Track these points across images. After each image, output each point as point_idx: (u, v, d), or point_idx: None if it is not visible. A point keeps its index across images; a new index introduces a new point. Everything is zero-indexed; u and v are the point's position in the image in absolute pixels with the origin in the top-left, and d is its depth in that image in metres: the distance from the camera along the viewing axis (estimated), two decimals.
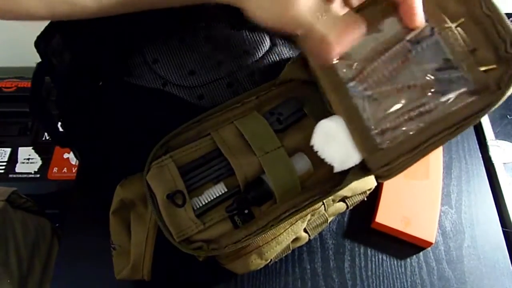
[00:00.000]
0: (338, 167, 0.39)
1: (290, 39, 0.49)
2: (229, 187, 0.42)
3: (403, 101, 0.37)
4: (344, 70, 0.39)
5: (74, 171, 1.02)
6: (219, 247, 0.39)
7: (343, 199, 0.48)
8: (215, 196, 0.41)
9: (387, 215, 0.54)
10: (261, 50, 0.48)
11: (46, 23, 0.48)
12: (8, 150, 1.05)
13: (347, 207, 0.49)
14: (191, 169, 0.42)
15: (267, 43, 0.49)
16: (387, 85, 0.37)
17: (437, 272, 0.53)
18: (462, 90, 0.35)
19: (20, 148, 1.06)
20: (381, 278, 0.52)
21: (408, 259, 0.53)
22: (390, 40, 0.38)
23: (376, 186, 0.51)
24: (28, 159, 1.04)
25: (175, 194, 0.40)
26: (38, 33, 0.49)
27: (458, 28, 0.36)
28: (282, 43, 0.50)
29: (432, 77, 0.36)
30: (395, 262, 0.53)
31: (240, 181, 0.41)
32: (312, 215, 0.45)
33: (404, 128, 0.36)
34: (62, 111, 0.50)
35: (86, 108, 0.46)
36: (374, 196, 0.55)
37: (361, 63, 0.38)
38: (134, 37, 0.42)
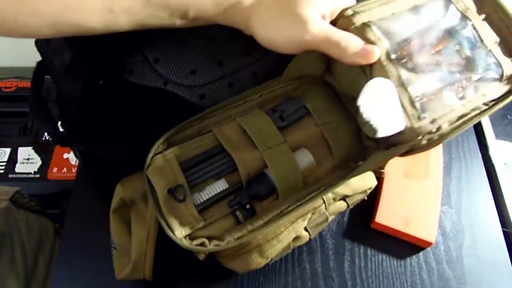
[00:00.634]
0: (384, 131, 0.38)
1: None
2: (231, 183, 0.41)
3: (443, 76, 0.39)
4: (388, 44, 0.40)
5: (74, 171, 1.02)
6: (221, 244, 0.39)
7: (343, 198, 0.48)
8: (216, 192, 0.41)
9: (387, 215, 0.54)
10: (262, 50, 0.48)
11: None
12: (8, 150, 1.06)
13: (348, 206, 0.49)
14: (192, 165, 0.42)
15: None
16: (428, 61, 0.40)
17: (437, 272, 0.53)
18: (496, 73, 0.40)
19: (20, 148, 1.06)
20: (381, 278, 0.52)
21: (408, 259, 0.53)
22: (428, 22, 0.41)
23: (375, 186, 0.51)
24: (28, 159, 1.05)
25: (176, 188, 0.39)
26: None
27: (484, 22, 0.42)
28: None
29: (469, 58, 0.40)
30: (395, 262, 0.53)
31: (243, 175, 0.41)
32: (313, 213, 0.45)
33: (444, 101, 0.39)
34: (62, 111, 0.50)
35: (86, 107, 0.46)
36: (374, 196, 0.55)
37: (404, 38, 0.40)
38: (135, 35, 0.42)
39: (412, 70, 0.39)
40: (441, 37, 0.41)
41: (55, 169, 1.03)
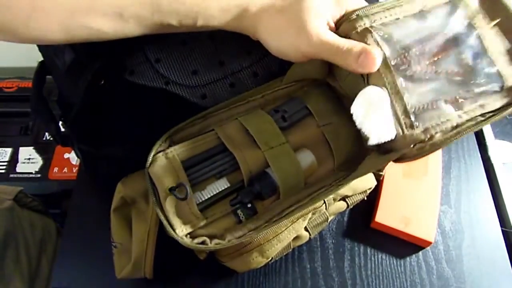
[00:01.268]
0: (374, 139, 0.38)
1: None
2: (232, 182, 0.42)
3: (441, 86, 0.39)
4: (388, 50, 0.39)
5: (74, 171, 1.02)
6: (222, 242, 0.39)
7: (343, 198, 0.48)
8: (218, 191, 0.41)
9: (387, 215, 0.54)
10: (263, 50, 0.48)
11: None
12: (9, 150, 1.06)
13: (348, 206, 0.49)
14: (194, 164, 0.42)
15: None
16: (427, 70, 0.39)
17: (437, 271, 0.53)
18: (496, 85, 0.39)
19: (21, 148, 1.06)
20: (380, 277, 0.52)
21: (408, 259, 0.53)
22: (433, 29, 0.40)
23: (375, 186, 0.51)
24: (29, 159, 1.05)
25: (178, 187, 0.39)
26: None
27: (495, 28, 0.40)
28: None
29: (470, 68, 0.39)
30: (395, 262, 0.53)
31: (244, 174, 0.41)
32: (313, 213, 0.46)
33: (440, 111, 0.38)
34: (64, 111, 0.50)
35: (87, 107, 0.46)
36: (374, 195, 0.55)
37: (404, 45, 0.40)
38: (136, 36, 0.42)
39: (410, 78, 0.39)
40: (443, 45, 0.40)
41: (56, 169, 1.03)
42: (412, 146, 0.38)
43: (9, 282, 0.58)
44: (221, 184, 0.41)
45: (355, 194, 0.49)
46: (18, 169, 1.03)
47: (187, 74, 0.46)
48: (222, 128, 0.43)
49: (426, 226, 0.53)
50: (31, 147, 1.06)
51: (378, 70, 0.39)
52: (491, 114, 0.39)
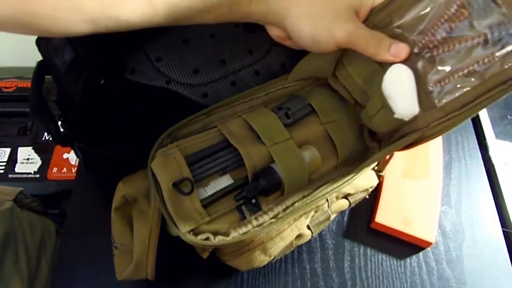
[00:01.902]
0: (399, 114, 0.40)
1: None
2: (236, 179, 0.41)
3: (459, 59, 0.38)
4: (406, 34, 0.40)
5: (73, 171, 1.02)
6: (225, 239, 0.39)
7: (346, 196, 0.48)
8: (221, 187, 0.41)
9: (387, 215, 0.54)
10: (265, 49, 0.48)
11: None
12: (8, 150, 1.05)
13: (350, 205, 0.49)
14: (197, 160, 0.42)
15: (270, 41, 0.49)
16: (445, 44, 0.39)
17: (437, 272, 0.53)
18: None
19: (19, 148, 1.06)
20: (380, 278, 0.52)
21: (408, 259, 0.53)
22: (446, 3, 0.38)
23: (376, 186, 0.51)
24: (28, 159, 1.04)
25: (182, 182, 0.39)
26: None
27: None
28: None
29: (487, 33, 0.37)
30: (395, 262, 0.53)
31: (249, 170, 0.41)
32: (316, 211, 0.45)
33: (459, 85, 0.38)
34: (63, 110, 0.50)
35: (87, 106, 0.46)
36: (374, 196, 0.55)
37: (421, 30, 0.39)
38: (137, 34, 0.42)
39: (430, 59, 0.39)
40: (456, 10, 0.38)
41: (55, 169, 1.03)
42: (431, 124, 0.39)
43: (9, 282, 0.58)
44: (225, 181, 0.41)
45: (357, 192, 0.49)
46: (17, 169, 1.03)
47: (188, 73, 0.46)
48: (225, 125, 0.43)
49: (426, 226, 0.53)
50: (30, 147, 1.06)
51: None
52: (511, 82, 0.36)
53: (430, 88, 0.39)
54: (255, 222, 0.39)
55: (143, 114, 0.46)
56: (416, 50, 0.40)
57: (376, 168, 0.48)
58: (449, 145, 0.63)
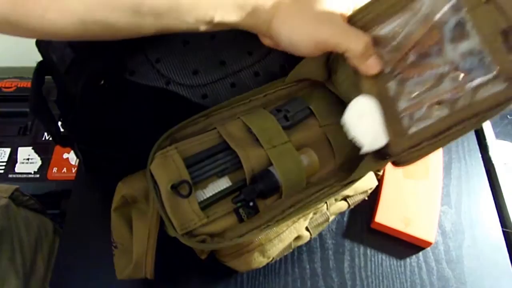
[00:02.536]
0: (367, 147, 0.40)
1: None
2: (234, 181, 0.42)
3: (430, 86, 0.37)
4: (379, 48, 0.39)
5: (73, 171, 1.02)
6: (223, 241, 0.39)
7: (344, 198, 0.48)
8: (219, 190, 0.41)
9: (387, 215, 0.54)
10: (264, 50, 0.48)
11: None
12: (8, 150, 1.05)
13: (349, 206, 0.49)
14: (196, 162, 0.42)
15: None
16: (415, 69, 0.38)
17: (437, 272, 0.53)
18: (488, 77, 0.33)
19: (19, 148, 1.06)
20: (380, 278, 0.52)
21: (408, 259, 0.53)
22: (421, 22, 0.37)
23: (376, 186, 0.51)
24: (28, 159, 1.04)
25: (180, 184, 0.39)
26: None
27: (489, 5, 0.32)
28: None
29: (459, 62, 0.35)
30: (395, 262, 0.53)
31: (247, 173, 0.41)
32: (315, 213, 0.45)
33: (430, 114, 0.37)
34: (63, 111, 0.50)
35: (87, 107, 0.46)
36: (374, 196, 0.55)
37: (395, 46, 0.39)
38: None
39: (401, 82, 0.38)
40: (432, 35, 0.37)
41: (55, 169, 1.02)
42: (403, 152, 0.38)
43: (4, 278, 0.58)
44: (223, 183, 0.41)
45: (356, 194, 0.49)
46: (17, 169, 1.03)
47: (188, 74, 0.46)
48: (224, 127, 0.43)
49: (426, 226, 0.53)
50: (30, 147, 1.06)
51: (370, 78, 0.39)
52: (480, 116, 0.34)
53: (400, 113, 0.38)
54: (252, 225, 0.39)
55: (143, 115, 0.46)
56: (387, 71, 0.39)
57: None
58: (449, 145, 0.63)
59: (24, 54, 0.82)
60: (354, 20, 0.41)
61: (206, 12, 0.39)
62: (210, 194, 0.40)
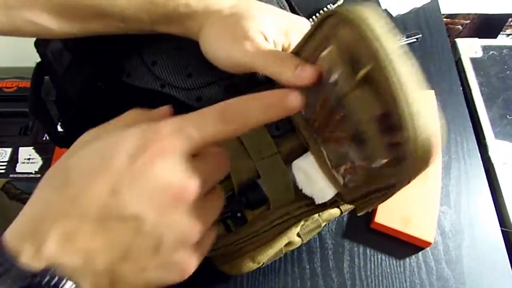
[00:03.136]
0: (319, 200, 0.40)
1: None
2: (223, 191, 0.41)
3: (340, 152, 0.35)
4: (303, 113, 0.38)
5: None
6: (210, 250, 0.39)
7: (337, 205, 0.48)
8: None
9: (386, 215, 0.54)
10: None
11: None
12: (9, 150, 1.06)
13: (341, 213, 0.49)
14: None
15: None
16: (330, 134, 0.35)
17: (436, 272, 0.53)
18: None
19: (20, 148, 1.06)
20: (380, 278, 0.52)
21: (407, 259, 0.53)
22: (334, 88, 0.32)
23: None
24: (29, 159, 1.05)
25: None
26: None
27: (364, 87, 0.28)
28: None
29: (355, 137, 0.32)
30: (394, 262, 0.53)
31: (235, 184, 0.41)
32: (306, 220, 0.45)
33: (348, 177, 0.35)
34: (62, 112, 0.50)
35: (85, 108, 0.46)
36: None
37: (312, 107, 0.35)
38: (133, 39, 0.42)
39: (322, 142, 0.37)
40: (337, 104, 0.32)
41: None
42: (355, 201, 0.37)
43: None
44: None
45: None
46: (18, 169, 1.03)
47: (182, 77, 0.46)
48: None
49: (425, 226, 0.53)
50: (31, 147, 1.06)
51: (305, 133, 0.38)
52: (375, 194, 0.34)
53: (332, 169, 0.37)
54: (240, 235, 0.39)
55: None
56: (316, 125, 0.37)
57: None
58: (449, 145, 0.63)
59: (25, 54, 0.82)
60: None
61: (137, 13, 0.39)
62: None
